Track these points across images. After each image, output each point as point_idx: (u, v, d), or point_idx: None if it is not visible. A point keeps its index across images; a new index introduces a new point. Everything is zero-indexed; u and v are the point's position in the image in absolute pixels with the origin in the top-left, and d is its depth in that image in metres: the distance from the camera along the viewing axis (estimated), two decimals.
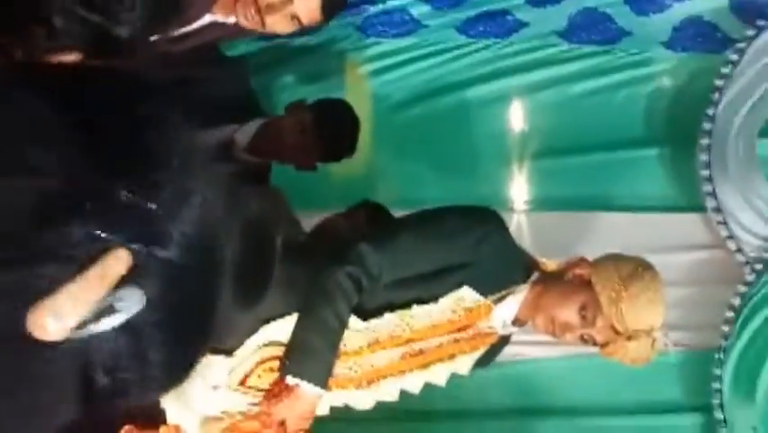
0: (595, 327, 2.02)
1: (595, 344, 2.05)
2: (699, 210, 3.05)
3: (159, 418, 2.13)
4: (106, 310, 0.72)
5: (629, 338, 2.00)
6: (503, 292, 2.10)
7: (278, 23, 2.23)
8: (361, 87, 3.08)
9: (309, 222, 2.44)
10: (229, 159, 2.50)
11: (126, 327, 0.73)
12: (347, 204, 2.66)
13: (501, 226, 2.13)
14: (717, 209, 2.99)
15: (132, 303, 0.73)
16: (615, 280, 2.02)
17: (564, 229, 3.02)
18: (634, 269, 2.06)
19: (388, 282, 2.05)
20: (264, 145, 2.57)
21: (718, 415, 3.03)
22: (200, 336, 0.80)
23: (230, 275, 0.80)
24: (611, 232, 2.95)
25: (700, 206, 3.03)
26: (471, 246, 2.06)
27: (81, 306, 0.70)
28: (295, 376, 1.99)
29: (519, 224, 2.99)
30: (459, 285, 2.06)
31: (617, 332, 2.01)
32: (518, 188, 3.08)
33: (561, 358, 3.09)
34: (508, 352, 2.37)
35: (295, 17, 2.22)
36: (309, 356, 1.99)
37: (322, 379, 1.99)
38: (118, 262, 0.71)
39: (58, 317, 0.69)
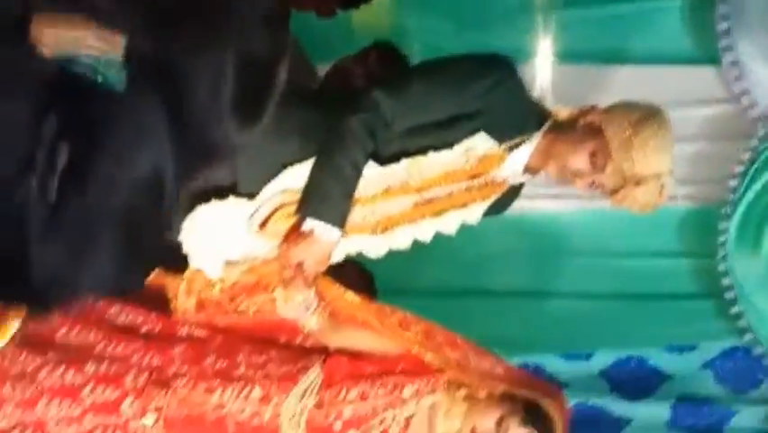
0: (605, 174, 2.06)
1: (604, 190, 2.10)
2: (716, 64, 3.03)
3: (182, 263, 2.23)
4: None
5: (638, 184, 2.04)
6: (515, 140, 2.14)
7: None
8: None
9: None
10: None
11: None
12: None
13: (514, 74, 2.13)
14: (734, 63, 2.97)
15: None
16: (625, 126, 2.05)
17: (580, 81, 3.02)
18: (644, 115, 2.08)
19: (403, 129, 2.08)
20: None
21: (722, 265, 3.11)
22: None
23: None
24: (627, 84, 2.94)
25: (717, 59, 3.01)
26: (484, 93, 2.08)
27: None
28: (312, 218, 2.05)
29: (536, 75, 2.98)
30: (473, 132, 2.09)
31: (625, 178, 2.04)
32: (537, 40, 3.05)
33: (571, 210, 3.17)
34: (518, 206, 2.42)
35: None
36: (325, 200, 2.05)
37: (338, 222, 2.05)
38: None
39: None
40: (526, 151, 2.15)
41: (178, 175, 0.86)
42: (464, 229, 2.28)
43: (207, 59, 0.79)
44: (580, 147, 2.08)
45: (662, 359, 3.30)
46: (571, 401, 2.34)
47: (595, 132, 2.09)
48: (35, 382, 2.10)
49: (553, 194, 3.08)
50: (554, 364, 3.19)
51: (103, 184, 0.78)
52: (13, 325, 1.83)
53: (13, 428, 2.07)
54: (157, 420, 2.10)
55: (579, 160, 2.08)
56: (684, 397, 3.26)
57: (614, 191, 2.10)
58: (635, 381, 3.30)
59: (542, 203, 3.10)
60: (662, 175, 2.05)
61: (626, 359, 3.31)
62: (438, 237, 2.26)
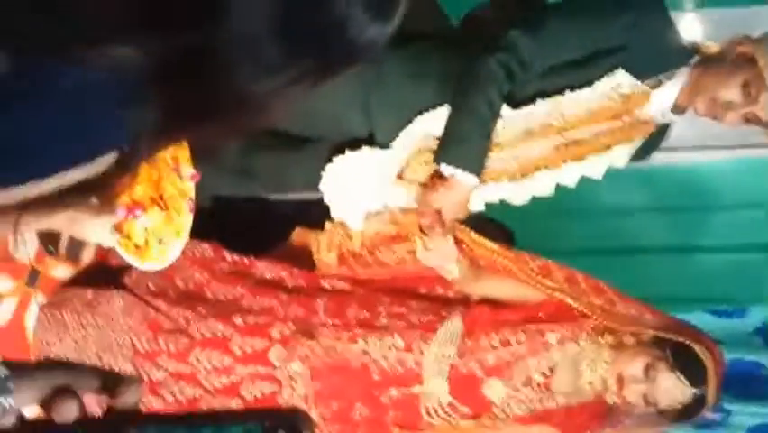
0: (759, 104, 1.95)
1: (760, 122, 1.98)
2: None
3: (323, 219, 2.26)
4: None
5: None
6: (660, 77, 2.05)
7: None
8: None
9: None
10: None
11: None
12: None
13: (658, 6, 2.04)
14: None
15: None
16: None
17: (733, 24, 2.86)
18: None
19: (540, 69, 2.03)
20: None
21: None
22: None
23: None
24: None
25: None
26: (626, 28, 2.00)
27: None
28: (449, 164, 2.03)
29: (687, 20, 2.86)
30: (613, 69, 2.02)
31: None
32: None
33: (719, 160, 3.04)
34: (663, 157, 2.32)
35: None
36: (463, 144, 2.02)
37: (476, 166, 2.02)
38: None
39: None
40: (674, 87, 2.06)
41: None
42: (606, 183, 2.20)
43: None
44: (732, 77, 1.97)
45: None
46: (725, 357, 2.23)
47: (747, 62, 1.98)
48: (187, 334, 2.18)
49: (697, 144, 2.95)
50: (706, 322, 3.05)
51: None
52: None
53: (167, 379, 2.16)
54: (304, 368, 2.14)
55: (730, 91, 1.97)
56: None
57: None
58: None
59: (685, 153, 2.97)
60: None
61: None
62: (580, 193, 2.20)
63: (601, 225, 3.10)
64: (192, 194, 1.76)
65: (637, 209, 3.12)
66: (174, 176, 1.72)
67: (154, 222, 1.69)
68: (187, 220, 1.75)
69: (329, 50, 0.80)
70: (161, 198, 1.69)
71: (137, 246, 1.69)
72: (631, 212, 3.11)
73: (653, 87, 2.05)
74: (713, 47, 2.08)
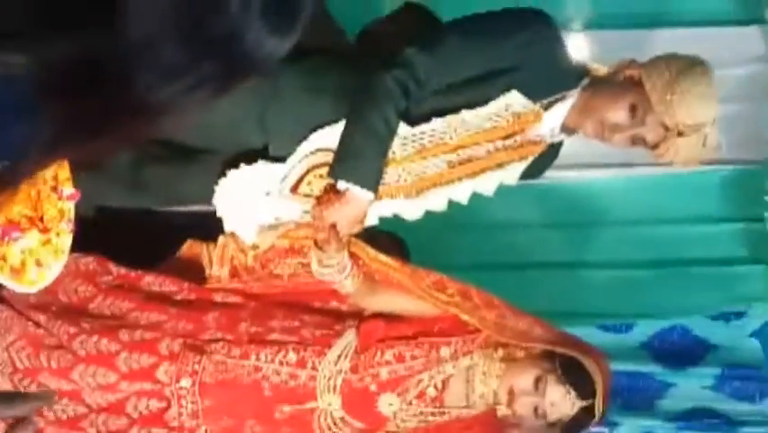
0: (645, 126, 2.01)
1: (645, 144, 2.04)
2: (760, 23, 2.96)
3: (215, 232, 2.21)
4: None
5: (680, 134, 1.98)
6: (552, 98, 2.09)
7: None
8: None
9: None
10: None
11: None
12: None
13: (551, 29, 2.08)
14: None
15: None
16: (665, 77, 1.99)
17: (622, 46, 2.94)
18: (685, 64, 2.03)
19: (436, 87, 2.04)
20: None
21: None
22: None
23: None
24: (669, 47, 2.87)
25: (762, 18, 2.94)
26: (520, 49, 2.03)
27: None
28: (345, 180, 2.02)
29: (577, 41, 2.92)
30: (507, 89, 2.04)
31: (667, 129, 1.98)
32: (577, 3, 3.00)
33: (607, 178, 3.12)
34: (552, 175, 2.37)
35: None
36: (358, 160, 2.01)
37: (371, 182, 2.02)
38: None
39: None
40: (564, 108, 2.10)
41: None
42: (499, 199, 2.23)
43: None
44: (620, 99, 2.03)
45: (706, 329, 3.24)
46: (612, 369, 2.29)
47: (634, 84, 2.03)
48: (70, 350, 2.10)
49: (588, 162, 3.02)
50: (594, 336, 3.13)
51: None
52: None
53: None
54: (193, 384, 2.09)
55: (618, 113, 2.02)
56: (729, 365, 3.19)
57: (655, 145, 2.04)
58: (679, 351, 3.24)
59: (576, 171, 3.04)
60: (705, 125, 1.99)
61: (668, 329, 3.25)
62: (473, 208, 2.22)
63: (494, 239, 3.14)
64: (72, 214, 1.71)
65: (529, 225, 3.17)
66: (53, 196, 1.66)
67: (32, 244, 1.64)
68: (66, 241, 1.71)
69: (226, 61, 0.79)
70: (41, 219, 1.64)
71: (13, 269, 1.63)
72: (523, 227, 3.16)
73: (544, 108, 2.09)
74: (601, 69, 2.14)
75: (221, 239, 2.25)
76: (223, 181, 2.10)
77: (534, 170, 2.24)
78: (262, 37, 0.78)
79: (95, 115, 0.77)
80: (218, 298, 2.24)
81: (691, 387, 3.21)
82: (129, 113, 0.78)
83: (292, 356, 2.14)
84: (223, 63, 0.79)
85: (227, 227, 2.17)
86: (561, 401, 2.07)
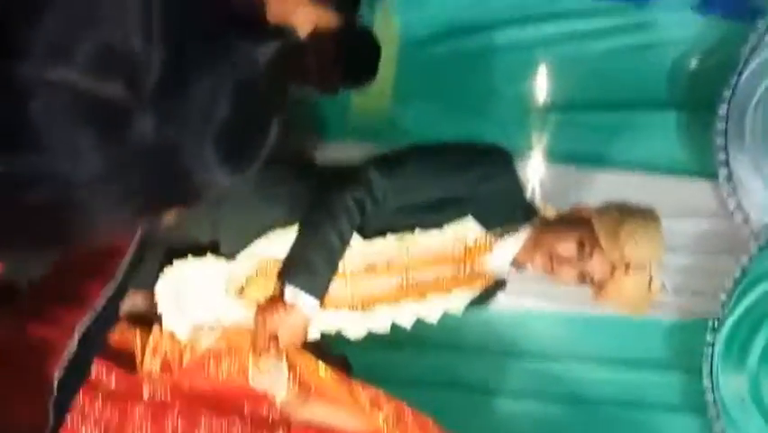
0: (592, 262, 2.04)
1: (593, 283, 2.07)
2: (711, 178, 3.04)
3: (152, 319, 2.17)
4: None
5: (627, 270, 2.01)
6: (503, 230, 2.12)
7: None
8: (388, 23, 3.07)
9: (325, 152, 2.45)
10: None
11: None
12: (364, 137, 2.66)
13: (509, 166, 2.14)
14: (728, 179, 2.99)
15: None
16: (614, 216, 2.06)
17: (573, 183, 3.02)
18: (634, 208, 2.11)
19: (393, 207, 2.07)
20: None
21: (707, 381, 3.06)
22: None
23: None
24: (619, 191, 2.91)
25: (712, 173, 3.02)
26: (475, 181, 2.08)
27: None
28: (292, 284, 2.02)
29: (528, 173, 2.98)
30: (462, 216, 2.08)
31: (614, 265, 2.02)
32: (532, 138, 3.07)
33: (553, 312, 3.13)
34: (499, 301, 2.39)
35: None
36: (308, 270, 2.02)
37: (319, 292, 2.02)
38: None
39: None
40: (514, 243, 2.14)
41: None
42: (443, 321, 2.24)
43: (210, 75, 0.74)
44: (569, 235, 2.07)
45: None
46: None
47: (584, 222, 2.08)
48: None
49: (537, 292, 3.04)
50: None
51: None
52: None
53: None
54: None
55: (566, 247, 2.06)
56: None
57: (601, 286, 2.07)
58: None
59: (524, 301, 3.05)
60: (651, 265, 2.04)
61: None
62: (417, 326, 2.22)
63: (438, 360, 3.11)
64: None
65: (467, 347, 3.14)
66: None
67: None
68: None
69: (167, 188, 0.76)
70: None
71: None
72: (460, 349, 3.13)
73: (494, 240, 2.13)
74: (551, 211, 2.19)
75: (155, 330, 2.19)
76: (168, 270, 2.08)
77: (479, 301, 2.26)
78: (213, 173, 0.76)
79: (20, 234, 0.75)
80: (147, 390, 2.17)
81: None
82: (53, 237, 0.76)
83: None
84: (165, 196, 0.77)
85: (165, 322, 2.13)
86: None
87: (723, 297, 3.03)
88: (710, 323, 3.05)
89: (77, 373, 1.23)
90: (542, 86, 3.09)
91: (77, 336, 1.19)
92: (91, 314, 1.20)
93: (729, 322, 3.02)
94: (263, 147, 0.85)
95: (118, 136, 0.69)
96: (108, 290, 1.22)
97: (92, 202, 0.71)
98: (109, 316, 1.26)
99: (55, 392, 1.15)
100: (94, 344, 1.24)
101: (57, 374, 1.16)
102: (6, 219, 0.72)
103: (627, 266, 2.03)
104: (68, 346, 1.18)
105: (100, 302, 1.21)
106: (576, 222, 2.11)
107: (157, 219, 0.84)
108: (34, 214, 0.72)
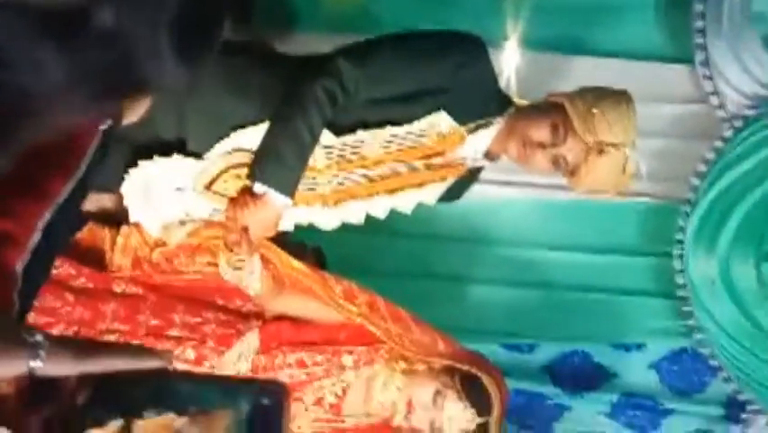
0: (566, 145, 2.03)
1: (567, 166, 2.06)
2: (687, 62, 3.00)
3: (120, 216, 2.16)
4: None
5: (600, 152, 2.01)
6: (477, 122, 2.10)
7: None
8: None
9: (295, 44, 2.40)
10: None
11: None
12: (336, 28, 2.60)
13: (483, 55, 2.08)
14: (705, 63, 2.95)
15: None
16: (587, 99, 2.05)
17: (547, 70, 2.97)
18: (606, 90, 2.09)
19: (364, 100, 2.02)
20: None
21: (677, 264, 3.11)
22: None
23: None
24: (594, 77, 2.84)
25: (688, 58, 2.99)
26: (451, 70, 2.03)
27: None
28: (262, 183, 1.99)
29: (502, 61, 2.93)
30: (434, 109, 2.04)
31: (588, 148, 2.02)
32: (506, 25, 2.99)
33: (525, 199, 3.14)
34: (473, 190, 2.39)
35: None
36: (278, 165, 1.98)
37: (289, 188, 1.99)
38: None
39: None
40: (488, 134, 2.11)
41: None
42: (416, 212, 2.24)
43: None
44: (542, 120, 2.05)
45: (607, 356, 3.31)
46: (511, 387, 2.33)
47: (557, 108, 2.06)
48: None
49: (507, 180, 3.05)
50: (496, 354, 3.18)
51: None
52: None
53: None
54: None
55: (540, 132, 2.04)
56: (626, 393, 3.26)
57: (575, 169, 2.06)
58: (578, 376, 3.30)
59: (496, 189, 3.05)
60: (624, 145, 2.03)
61: (570, 354, 3.31)
62: (390, 217, 2.22)
63: (399, 247, 3.13)
64: None
65: (438, 237, 3.16)
66: None
67: None
68: None
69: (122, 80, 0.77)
70: None
71: None
72: (432, 238, 3.15)
73: (469, 132, 2.10)
74: (524, 102, 2.16)
75: (124, 228, 2.18)
76: (134, 171, 2.05)
77: (452, 193, 2.24)
78: (166, 61, 0.77)
79: None
80: (118, 288, 2.18)
81: (587, 412, 3.28)
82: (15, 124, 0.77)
83: (190, 353, 2.11)
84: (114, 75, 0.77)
85: (133, 217, 2.11)
86: (458, 417, 2.10)
87: (696, 181, 3.05)
88: (682, 208, 3.08)
89: (41, 266, 1.24)
90: None
91: (39, 229, 1.19)
92: (53, 207, 1.21)
93: (702, 205, 3.05)
94: (216, 36, 0.85)
95: (77, 39, 0.70)
96: (70, 184, 1.22)
97: (50, 93, 0.73)
98: (72, 209, 1.27)
99: (19, 283, 1.17)
100: (57, 237, 1.24)
101: (19, 266, 1.17)
102: None
103: (601, 148, 2.02)
104: (31, 239, 1.19)
105: (62, 196, 1.21)
106: (549, 107, 2.08)
107: (115, 108, 0.87)
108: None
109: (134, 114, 0.96)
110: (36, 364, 1.06)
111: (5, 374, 1.10)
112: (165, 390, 1.18)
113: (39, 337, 1.08)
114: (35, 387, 1.08)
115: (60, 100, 0.75)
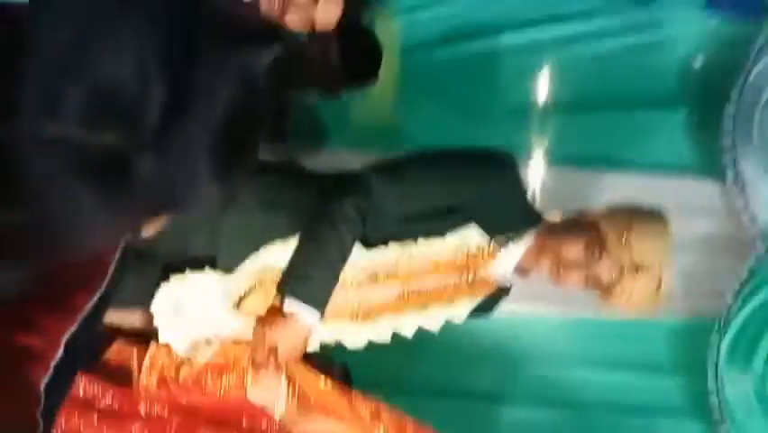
0: (600, 265, 2.00)
1: (600, 286, 2.03)
2: (718, 178, 2.99)
3: (150, 336, 2.14)
4: None
5: (636, 272, 1.98)
6: (508, 237, 2.08)
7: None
8: (388, 28, 3.02)
9: (324, 160, 2.42)
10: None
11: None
12: (365, 145, 2.62)
13: (513, 170, 2.09)
14: (736, 179, 2.95)
15: None
16: (623, 218, 2.02)
17: (578, 186, 2.97)
18: (643, 209, 2.07)
19: (395, 216, 2.02)
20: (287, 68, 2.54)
21: (711, 383, 3.03)
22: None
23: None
24: (624, 192, 2.87)
25: (719, 174, 2.98)
26: (479, 186, 2.04)
27: None
28: (293, 297, 1.98)
29: (533, 176, 2.94)
30: (465, 224, 2.04)
31: (623, 268, 1.99)
32: (536, 141, 3.02)
33: (556, 318, 3.09)
34: (502, 309, 2.36)
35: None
36: (309, 281, 1.97)
37: (320, 303, 1.98)
38: None
39: None
40: (518, 249, 2.10)
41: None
42: (446, 328, 2.21)
43: (209, 100, 0.73)
44: (576, 239, 2.03)
45: None
46: None
47: (591, 226, 2.05)
48: None
49: (539, 297, 3.00)
50: None
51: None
52: None
53: None
54: None
55: (574, 251, 2.02)
56: None
57: (608, 288, 2.03)
58: None
59: (527, 307, 3.01)
60: (660, 266, 2.00)
61: None
62: (419, 334, 2.19)
63: (440, 367, 3.08)
64: None
65: (469, 355, 3.10)
66: None
67: None
68: None
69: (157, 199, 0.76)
70: None
71: None
72: (463, 356, 3.10)
73: (498, 247, 2.09)
74: (556, 216, 2.15)
75: (152, 347, 2.16)
76: (165, 286, 2.04)
77: (482, 310, 2.22)
78: (202, 194, 0.77)
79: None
80: (143, 408, 2.15)
81: None
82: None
83: None
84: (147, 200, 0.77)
85: (162, 337, 2.09)
86: None
87: (729, 298, 3.00)
88: (716, 324, 3.01)
89: (63, 383, 1.24)
90: (545, 87, 3.03)
91: (62, 345, 1.18)
92: (77, 323, 1.21)
93: (735, 323, 2.99)
94: (252, 158, 0.84)
95: (115, 183, 0.70)
96: (94, 299, 1.22)
97: (82, 230, 0.73)
98: (94, 325, 1.27)
99: (42, 402, 1.15)
100: (79, 354, 1.24)
101: (43, 384, 1.15)
102: None
103: (637, 268, 2.00)
104: (55, 356, 1.18)
105: (86, 311, 1.21)
106: (582, 225, 2.07)
107: (139, 229, 0.85)
108: (22, 234, 0.72)
109: (153, 228, 0.96)
110: None
111: None
112: None
113: None
114: None
115: (92, 235, 0.74)
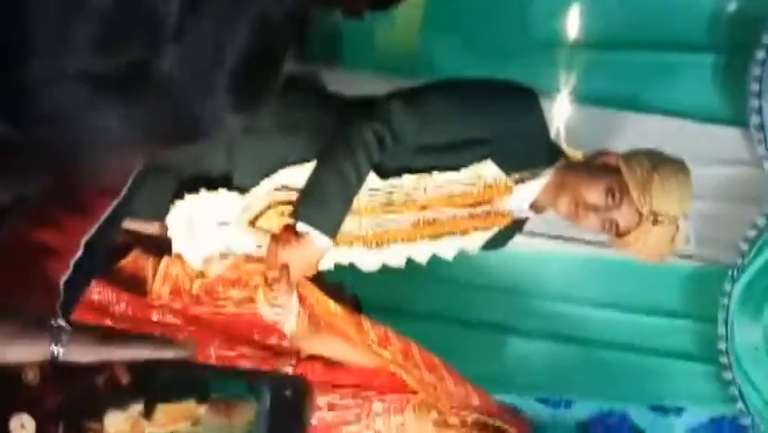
0: (620, 210, 2.00)
1: (617, 230, 2.03)
2: (741, 125, 2.96)
3: (164, 246, 2.17)
4: None
5: (655, 222, 1.98)
6: (525, 173, 2.08)
7: None
8: None
9: (345, 83, 2.42)
10: None
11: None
12: (388, 70, 2.61)
13: (536, 107, 2.07)
14: (760, 126, 2.92)
15: None
16: (644, 165, 2.02)
17: (601, 125, 2.94)
18: (664, 159, 2.06)
19: (412, 145, 2.02)
20: None
21: (721, 329, 3.04)
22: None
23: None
24: (647, 134, 2.85)
25: (743, 121, 2.95)
26: (502, 121, 2.02)
27: None
28: (305, 222, 1.99)
29: (553, 112, 2.91)
30: (482, 158, 2.03)
31: (642, 216, 1.99)
32: (561, 77, 2.99)
33: (569, 254, 3.09)
34: (518, 241, 2.37)
35: None
36: (322, 205, 1.98)
37: (331, 229, 1.99)
38: None
39: None
40: (536, 186, 2.09)
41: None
42: (460, 258, 2.22)
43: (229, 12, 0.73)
44: (598, 180, 2.03)
45: (644, 418, 3.23)
46: None
47: (612, 170, 2.04)
48: None
49: (555, 234, 3.00)
50: (531, 409, 3.12)
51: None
52: None
53: None
54: None
55: (594, 194, 2.01)
56: None
57: (624, 233, 2.04)
58: None
59: (541, 241, 3.01)
60: (678, 218, 2.00)
61: (607, 413, 3.24)
62: (433, 261, 2.20)
63: (451, 295, 3.10)
64: None
65: (483, 286, 3.11)
66: None
67: None
68: None
69: (176, 125, 0.76)
70: None
71: None
72: (476, 286, 3.11)
73: (516, 182, 2.08)
74: (577, 154, 2.14)
75: (166, 258, 2.18)
76: (180, 203, 2.06)
77: (496, 242, 2.22)
78: (221, 112, 0.77)
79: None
80: (156, 316, 2.18)
81: None
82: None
83: None
84: (172, 126, 0.77)
85: (176, 249, 2.11)
86: None
87: (744, 246, 2.99)
88: (729, 272, 3.02)
89: (81, 281, 1.27)
90: (574, 24, 2.99)
91: (82, 245, 1.21)
92: (96, 225, 1.23)
93: (749, 271, 2.99)
94: (274, 86, 0.84)
95: (138, 92, 0.70)
96: (113, 204, 1.25)
97: (106, 146, 0.73)
98: (111, 230, 1.29)
99: (61, 297, 1.18)
100: (96, 256, 1.26)
101: (62, 279, 1.18)
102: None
103: (655, 217, 2.00)
104: (74, 254, 1.21)
105: (105, 216, 1.24)
106: (604, 169, 2.06)
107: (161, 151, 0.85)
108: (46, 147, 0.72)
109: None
110: (58, 349, 1.07)
111: (28, 358, 1.11)
112: (187, 376, 1.18)
113: (62, 323, 1.09)
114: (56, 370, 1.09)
115: (116, 152, 0.75)
